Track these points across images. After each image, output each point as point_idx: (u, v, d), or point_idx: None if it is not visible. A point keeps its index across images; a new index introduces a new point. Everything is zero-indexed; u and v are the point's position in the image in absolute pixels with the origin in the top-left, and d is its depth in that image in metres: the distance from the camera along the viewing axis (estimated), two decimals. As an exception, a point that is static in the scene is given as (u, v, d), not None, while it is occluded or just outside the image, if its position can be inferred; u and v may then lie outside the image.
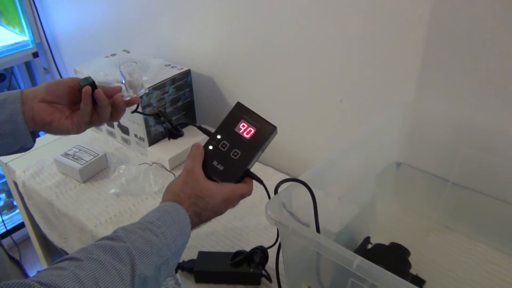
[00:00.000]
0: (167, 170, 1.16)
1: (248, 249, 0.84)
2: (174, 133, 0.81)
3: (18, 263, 0.72)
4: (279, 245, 0.69)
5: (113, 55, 1.33)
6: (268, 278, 0.84)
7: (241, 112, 0.70)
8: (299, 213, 0.67)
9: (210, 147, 0.70)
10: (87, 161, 1.15)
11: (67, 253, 0.94)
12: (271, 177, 1.14)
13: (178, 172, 0.76)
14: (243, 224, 1.00)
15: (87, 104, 0.73)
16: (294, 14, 1.01)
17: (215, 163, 0.69)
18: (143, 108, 1.15)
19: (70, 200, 1.10)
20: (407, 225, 0.94)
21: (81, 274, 0.46)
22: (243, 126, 0.70)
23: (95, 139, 1.34)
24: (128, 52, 1.36)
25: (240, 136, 0.69)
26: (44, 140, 1.35)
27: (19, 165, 1.24)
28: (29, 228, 1.40)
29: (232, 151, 0.69)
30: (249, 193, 0.69)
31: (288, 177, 0.68)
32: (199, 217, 0.64)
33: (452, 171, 0.88)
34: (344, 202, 0.78)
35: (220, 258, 0.87)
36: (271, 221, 0.61)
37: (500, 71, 0.80)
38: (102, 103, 0.74)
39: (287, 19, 1.03)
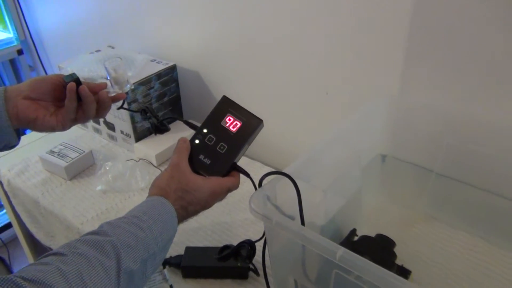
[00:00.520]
0: (154, 166, 1.16)
1: (235, 243, 0.84)
2: (160, 128, 0.81)
3: (3, 261, 0.71)
4: (265, 239, 0.69)
5: (97, 51, 1.32)
6: (256, 272, 0.84)
7: (227, 105, 0.70)
8: (284, 206, 0.67)
9: (197, 141, 0.69)
10: (72, 159, 1.14)
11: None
12: (259, 171, 1.12)
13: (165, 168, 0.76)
14: (231, 218, 1.00)
15: (71, 101, 0.73)
16: (280, 8, 1.01)
17: (201, 157, 0.68)
18: (129, 104, 1.14)
19: (56, 198, 1.09)
20: (393, 216, 0.95)
21: (65, 269, 0.46)
22: (229, 119, 0.69)
23: (81, 136, 1.33)
24: (113, 48, 1.35)
25: (226, 130, 0.69)
26: (30, 138, 1.34)
27: (4, 164, 1.22)
28: (16, 227, 1.39)
29: (219, 145, 0.69)
30: (236, 186, 0.69)
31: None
32: (186, 211, 0.64)
33: (436, 162, 0.89)
34: (329, 194, 0.78)
35: (208, 253, 0.87)
36: (255, 214, 0.61)
37: (482, 62, 0.81)
38: (87, 100, 0.73)
39: (272, 14, 1.03)
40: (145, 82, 1.17)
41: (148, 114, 0.80)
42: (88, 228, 0.99)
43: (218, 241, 0.94)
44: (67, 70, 1.16)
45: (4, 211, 1.91)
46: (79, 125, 1.37)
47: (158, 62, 1.25)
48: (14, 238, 1.90)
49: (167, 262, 0.86)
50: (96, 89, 0.75)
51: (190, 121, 0.77)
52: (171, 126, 1.23)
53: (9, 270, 0.72)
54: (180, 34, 1.27)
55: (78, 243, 0.51)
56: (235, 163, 0.69)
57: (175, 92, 1.29)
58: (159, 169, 1.16)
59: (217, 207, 1.02)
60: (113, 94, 0.78)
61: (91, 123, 1.32)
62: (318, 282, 0.68)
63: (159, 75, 1.20)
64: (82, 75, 1.14)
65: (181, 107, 1.33)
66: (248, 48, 1.13)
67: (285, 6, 1.00)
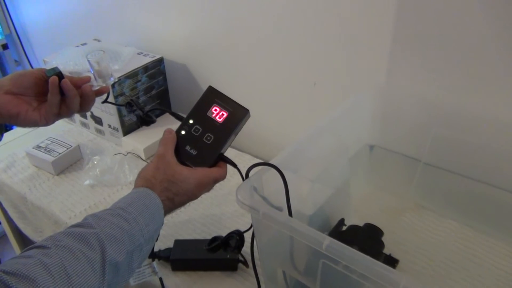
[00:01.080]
0: (142, 159, 1.15)
1: (225, 235, 0.84)
2: (146, 120, 0.80)
3: None
4: (253, 230, 0.69)
5: (83, 44, 1.30)
6: (245, 264, 0.85)
7: (213, 96, 0.70)
8: (272, 198, 0.67)
9: (183, 132, 0.69)
10: (60, 153, 1.13)
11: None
12: (248, 164, 1.12)
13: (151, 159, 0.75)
14: (220, 211, 1.00)
15: (54, 95, 0.72)
16: (266, 0, 1.01)
17: (188, 148, 0.68)
18: (116, 97, 1.13)
19: (44, 193, 1.08)
20: (381, 206, 0.96)
21: (48, 262, 0.45)
22: (216, 110, 0.69)
23: (68, 131, 1.32)
24: (99, 41, 1.34)
25: (212, 120, 0.68)
26: (16, 133, 1.32)
27: (-10, 159, 1.21)
28: (4, 223, 1.37)
29: (205, 136, 0.68)
30: (223, 177, 0.68)
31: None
32: (172, 202, 0.63)
33: (424, 151, 0.89)
34: (317, 185, 0.78)
35: (197, 245, 0.87)
36: (242, 206, 0.60)
37: (469, 53, 0.81)
38: (69, 93, 0.72)
39: (259, 5, 1.02)
40: (132, 75, 1.16)
41: (133, 107, 0.79)
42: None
43: (207, 234, 0.94)
44: (52, 64, 1.15)
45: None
46: (66, 119, 1.35)
47: (145, 55, 1.24)
48: (3, 235, 1.88)
49: (156, 256, 0.86)
50: (79, 83, 0.74)
51: (178, 113, 0.76)
52: (160, 119, 1.24)
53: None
54: (167, 27, 1.25)
55: (62, 235, 0.50)
56: (222, 154, 0.69)
57: (163, 85, 1.28)
58: (147, 162, 1.14)
59: (206, 199, 1.03)
60: (96, 88, 0.77)
61: (78, 117, 1.31)
62: (306, 272, 0.68)
63: (146, 68, 1.19)
64: (67, 69, 1.14)
65: (169, 100, 1.33)
66: (235, 40, 1.12)
67: (272, -3, 0.99)
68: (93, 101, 0.77)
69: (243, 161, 1.15)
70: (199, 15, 1.16)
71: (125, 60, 1.19)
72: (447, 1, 0.78)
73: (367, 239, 0.82)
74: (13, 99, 0.72)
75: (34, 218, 1.12)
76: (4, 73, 1.88)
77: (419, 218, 0.92)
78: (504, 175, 0.82)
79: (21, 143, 1.26)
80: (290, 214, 0.64)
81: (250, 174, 0.65)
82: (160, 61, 1.24)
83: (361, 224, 0.85)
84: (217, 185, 0.70)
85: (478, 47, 0.79)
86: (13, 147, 1.25)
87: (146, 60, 1.21)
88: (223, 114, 0.69)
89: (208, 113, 0.69)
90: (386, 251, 0.82)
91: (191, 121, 0.69)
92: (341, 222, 0.85)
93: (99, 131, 1.27)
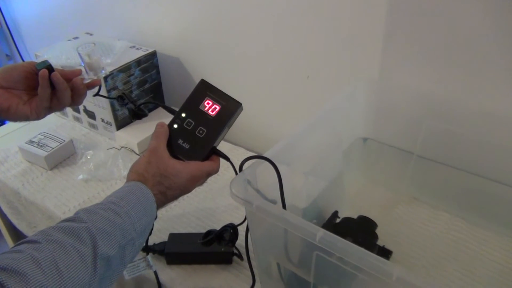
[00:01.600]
0: (136, 154, 1.15)
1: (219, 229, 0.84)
2: (138, 113, 0.80)
3: None
4: (247, 223, 0.69)
5: (75, 38, 1.29)
6: (240, 257, 0.85)
7: (205, 89, 0.69)
8: (266, 191, 0.67)
9: (175, 126, 0.68)
10: (52, 148, 1.12)
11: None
12: (242, 157, 1.13)
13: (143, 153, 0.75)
14: (214, 204, 1.00)
15: (44, 88, 0.71)
16: (258, -9, 1.00)
17: (180, 141, 0.68)
18: (108, 91, 1.13)
19: (37, 188, 1.07)
20: (375, 198, 0.96)
21: (38, 256, 0.45)
22: (208, 103, 0.69)
23: (61, 125, 1.31)
24: (91, 34, 1.32)
25: (205, 114, 0.68)
26: (8, 128, 1.31)
27: (-18, 155, 1.20)
28: (-3, 219, 1.37)
29: (198, 129, 0.68)
30: (216, 170, 0.68)
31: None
32: (165, 196, 0.63)
33: (417, 143, 0.90)
34: (311, 178, 0.79)
35: (191, 239, 0.87)
36: (236, 199, 0.60)
37: (461, 46, 0.81)
38: (60, 87, 0.72)
39: (251, -3, 1.02)
40: (125, 69, 1.15)
41: (125, 101, 0.79)
42: (70, 218, 0.98)
43: (201, 227, 0.94)
44: (43, 58, 1.14)
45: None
46: (59, 114, 1.35)
47: (138, 49, 1.23)
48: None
49: (150, 249, 0.86)
50: (70, 76, 0.74)
51: (171, 107, 0.76)
52: (153, 113, 1.23)
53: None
54: (160, 20, 1.24)
55: (53, 230, 0.50)
56: (215, 147, 0.69)
57: (156, 79, 1.27)
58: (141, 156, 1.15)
59: (200, 193, 1.03)
60: (88, 81, 0.76)
61: (71, 112, 1.30)
62: (300, 264, 0.69)
63: (139, 61, 1.19)
64: (59, 62, 1.13)
65: (163, 94, 1.32)
66: (228, 34, 1.12)
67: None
68: (84, 95, 0.77)
69: (237, 154, 1.15)
70: (192, 9, 1.15)
71: (118, 53, 1.18)
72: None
73: (360, 231, 0.82)
74: (3, 93, 0.71)
75: (28, 214, 1.12)
76: (-5, 67, 1.86)
77: (412, 210, 0.93)
78: (497, 167, 0.82)
79: (13, 138, 1.25)
80: (284, 207, 0.65)
81: (244, 167, 0.65)
82: (153, 54, 1.23)
83: (354, 216, 0.85)
84: (211, 178, 0.70)
85: (470, 41, 0.79)
86: (6, 142, 1.24)
87: (139, 53, 1.20)
88: (215, 108, 0.68)
89: (201, 107, 0.68)
90: (379, 242, 0.82)
91: (183, 115, 0.69)
92: (335, 214, 0.85)
93: (92, 126, 1.26)
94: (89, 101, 1.20)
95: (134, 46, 1.24)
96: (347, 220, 0.83)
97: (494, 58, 0.79)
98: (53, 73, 0.70)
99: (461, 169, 0.86)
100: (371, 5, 0.86)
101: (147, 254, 0.86)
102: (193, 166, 0.65)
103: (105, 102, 1.15)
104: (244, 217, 0.70)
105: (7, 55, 1.84)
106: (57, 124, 1.31)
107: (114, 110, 1.16)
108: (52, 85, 0.72)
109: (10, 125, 1.32)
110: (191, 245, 0.86)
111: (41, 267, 0.44)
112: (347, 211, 0.87)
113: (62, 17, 1.52)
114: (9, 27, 1.73)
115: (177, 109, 0.70)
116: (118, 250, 0.53)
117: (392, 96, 0.91)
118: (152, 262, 0.84)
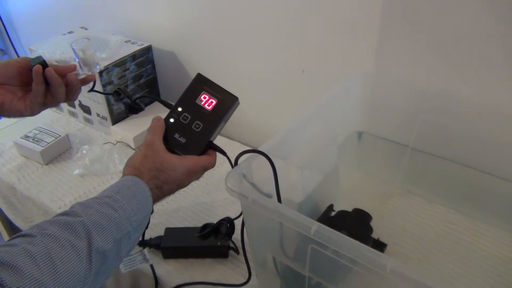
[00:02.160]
0: (132, 148, 1.15)
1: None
2: (134, 107, 0.79)
3: None
4: (243, 217, 0.69)
5: (70, 32, 1.29)
6: (236, 251, 0.85)
7: (201, 83, 0.69)
8: (261, 184, 0.67)
9: (171, 120, 0.68)
10: (48, 143, 1.12)
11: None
12: (237, 151, 1.13)
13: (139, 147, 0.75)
14: (211, 199, 1.01)
15: (38, 84, 0.71)
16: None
17: (176, 136, 0.67)
18: (104, 86, 1.12)
19: (33, 183, 1.07)
20: (370, 191, 0.97)
21: (33, 250, 0.45)
22: (204, 97, 0.68)
23: (56, 120, 1.31)
24: (86, 29, 1.32)
25: (201, 108, 0.68)
26: (3, 123, 1.31)
27: (-22, 150, 1.20)
28: (-7, 214, 1.37)
29: (194, 123, 0.68)
30: (212, 165, 0.68)
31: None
32: (161, 190, 0.63)
33: (411, 136, 0.90)
34: (306, 171, 0.79)
35: (188, 233, 0.87)
36: (231, 192, 0.61)
37: (456, 38, 0.81)
38: (54, 82, 0.71)
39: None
40: (120, 64, 1.15)
41: (121, 96, 0.79)
42: (66, 213, 0.98)
43: (198, 222, 0.94)
44: (38, 53, 1.13)
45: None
46: (54, 109, 1.34)
47: (133, 43, 1.23)
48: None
49: (147, 244, 0.86)
50: (64, 72, 0.73)
51: (168, 101, 0.75)
52: (149, 107, 1.23)
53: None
54: (155, 15, 1.24)
55: (48, 224, 0.50)
56: (211, 142, 0.69)
57: (152, 74, 1.27)
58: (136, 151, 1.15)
59: (196, 187, 1.03)
60: (82, 76, 0.76)
61: (66, 107, 1.30)
62: (296, 258, 0.69)
63: (134, 56, 1.18)
64: (54, 57, 1.12)
65: (159, 88, 1.32)
66: (224, 28, 1.11)
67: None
68: (79, 90, 0.77)
69: (233, 148, 1.15)
70: (187, 3, 1.15)
71: (113, 48, 1.18)
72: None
73: (355, 224, 0.83)
74: None
75: (24, 209, 1.12)
76: (-10, 62, 1.85)
77: (407, 203, 0.94)
78: (491, 160, 0.83)
79: (8, 133, 1.25)
80: (279, 200, 0.65)
81: (239, 161, 0.65)
82: (148, 49, 1.22)
83: (349, 209, 0.86)
84: (208, 173, 0.70)
85: (464, 35, 0.80)
86: (1, 137, 1.24)
87: (134, 48, 1.20)
88: (212, 102, 0.68)
89: (197, 101, 0.68)
90: (374, 235, 0.83)
91: (179, 109, 0.69)
92: (330, 207, 0.85)
93: (88, 120, 1.26)
94: (85, 96, 1.19)
95: (129, 41, 1.24)
96: (342, 213, 0.84)
97: (488, 51, 0.79)
98: (47, 69, 0.70)
99: (456, 162, 0.86)
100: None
101: (144, 248, 0.86)
102: (190, 161, 0.65)
103: (101, 97, 1.15)
104: (240, 211, 0.71)
105: (1, 50, 1.83)
106: (53, 119, 1.31)
107: (109, 104, 1.16)
108: (47, 81, 0.71)
109: (4, 120, 1.32)
110: (187, 239, 0.86)
111: (36, 261, 0.44)
112: (342, 204, 0.87)
113: (57, 12, 1.51)
114: (3, 21, 1.72)
115: (173, 103, 0.70)
116: (113, 244, 0.53)
117: (387, 90, 0.91)
118: (149, 255, 0.85)
